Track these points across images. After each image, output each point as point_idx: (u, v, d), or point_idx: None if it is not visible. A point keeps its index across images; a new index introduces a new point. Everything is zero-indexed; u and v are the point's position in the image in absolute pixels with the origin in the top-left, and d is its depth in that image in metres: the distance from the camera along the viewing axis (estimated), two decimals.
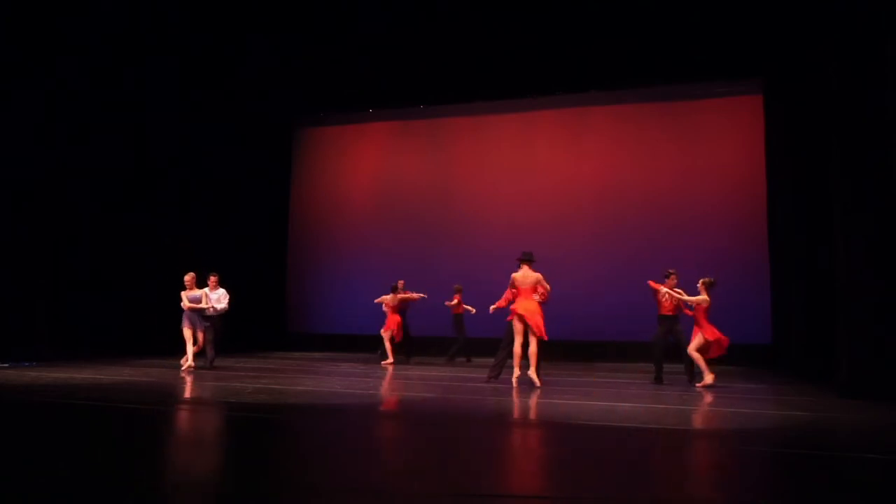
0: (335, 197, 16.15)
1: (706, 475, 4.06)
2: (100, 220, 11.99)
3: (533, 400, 7.02)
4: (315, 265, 16.03)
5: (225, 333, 10.36)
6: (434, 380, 9.29)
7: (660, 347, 8.96)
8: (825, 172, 8.50)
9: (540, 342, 8.20)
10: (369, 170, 16.04)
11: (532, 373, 8.11)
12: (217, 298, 10.17)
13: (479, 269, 13.34)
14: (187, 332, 9.91)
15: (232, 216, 14.57)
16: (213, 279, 10.29)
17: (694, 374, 8.68)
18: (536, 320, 8.19)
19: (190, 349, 9.85)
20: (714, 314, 11.40)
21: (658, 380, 8.80)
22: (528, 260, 8.50)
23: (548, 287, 8.47)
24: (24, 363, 9.86)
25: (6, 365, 9.53)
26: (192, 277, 10.06)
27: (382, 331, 12.07)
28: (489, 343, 10.55)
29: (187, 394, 7.41)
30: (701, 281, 8.75)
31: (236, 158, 14.74)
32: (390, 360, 11.83)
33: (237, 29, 13.00)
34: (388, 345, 11.94)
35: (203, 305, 9.96)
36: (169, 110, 13.24)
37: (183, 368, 9.61)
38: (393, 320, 12.03)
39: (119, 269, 12.11)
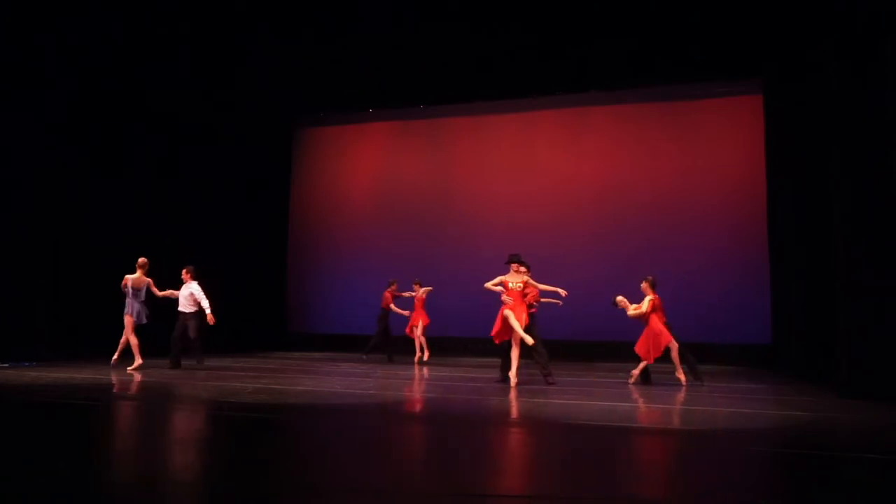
0: (335, 197, 16.15)
1: (706, 475, 4.06)
2: (100, 219, 11.99)
3: (533, 400, 7.01)
4: (315, 265, 16.03)
5: (183, 334, 9.89)
6: (434, 380, 9.29)
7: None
8: (825, 172, 8.50)
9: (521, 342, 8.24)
10: (369, 170, 16.04)
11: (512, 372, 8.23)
12: (185, 296, 9.83)
13: (480, 269, 13.31)
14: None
15: (232, 216, 14.57)
16: (184, 272, 9.94)
17: (697, 372, 8.67)
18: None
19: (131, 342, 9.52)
20: (714, 314, 11.44)
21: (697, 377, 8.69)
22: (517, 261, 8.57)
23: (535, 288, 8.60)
24: (24, 363, 9.86)
25: (6, 365, 9.53)
26: (144, 262, 9.74)
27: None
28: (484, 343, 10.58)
29: (187, 394, 7.41)
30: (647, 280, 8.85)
31: (236, 158, 14.74)
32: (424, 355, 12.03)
33: (237, 29, 12.99)
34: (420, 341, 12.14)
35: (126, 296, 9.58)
36: (169, 110, 13.23)
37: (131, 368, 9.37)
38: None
39: (119, 270, 12.08)
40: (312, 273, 16.00)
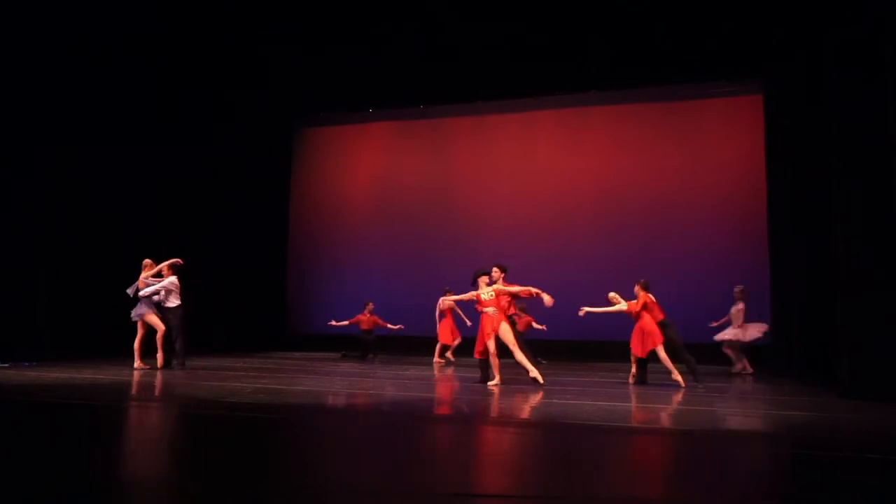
0: (335, 197, 16.15)
1: (706, 475, 4.06)
2: (99, 219, 11.98)
3: (533, 400, 7.01)
4: (315, 265, 16.03)
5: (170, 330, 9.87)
6: (434, 380, 9.29)
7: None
8: (825, 172, 8.50)
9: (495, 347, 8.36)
10: (369, 170, 16.05)
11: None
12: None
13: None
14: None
15: (232, 216, 14.57)
16: (165, 268, 9.92)
17: (697, 373, 8.62)
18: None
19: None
20: (714, 314, 11.44)
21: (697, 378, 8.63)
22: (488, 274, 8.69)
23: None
24: (24, 363, 9.85)
25: (6, 365, 9.52)
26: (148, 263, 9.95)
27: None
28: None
29: (187, 394, 7.40)
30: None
31: (236, 158, 14.74)
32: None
33: (237, 29, 12.99)
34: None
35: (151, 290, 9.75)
36: (169, 111, 13.23)
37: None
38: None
39: (119, 269, 12.09)
40: (312, 273, 15.99)
